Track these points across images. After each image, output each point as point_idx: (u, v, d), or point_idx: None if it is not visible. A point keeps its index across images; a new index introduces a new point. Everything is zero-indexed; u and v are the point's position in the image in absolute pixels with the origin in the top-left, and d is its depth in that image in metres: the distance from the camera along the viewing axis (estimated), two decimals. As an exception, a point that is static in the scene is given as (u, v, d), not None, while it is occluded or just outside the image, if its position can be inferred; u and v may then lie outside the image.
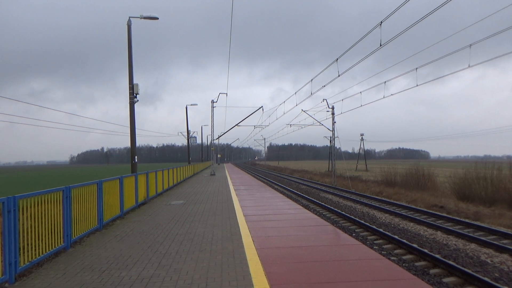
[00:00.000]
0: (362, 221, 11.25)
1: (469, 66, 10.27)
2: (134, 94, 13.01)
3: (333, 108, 25.81)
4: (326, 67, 14.38)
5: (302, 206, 13.77)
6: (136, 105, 17.41)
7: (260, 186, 18.17)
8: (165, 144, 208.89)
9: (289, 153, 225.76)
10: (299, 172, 45.53)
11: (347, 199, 17.92)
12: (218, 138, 45.79)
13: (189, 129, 34.92)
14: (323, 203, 15.65)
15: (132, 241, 6.43)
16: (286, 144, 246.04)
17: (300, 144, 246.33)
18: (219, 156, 79.22)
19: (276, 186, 25.81)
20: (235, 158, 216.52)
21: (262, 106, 28.87)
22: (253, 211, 9.59)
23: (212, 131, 30.91)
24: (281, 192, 20.86)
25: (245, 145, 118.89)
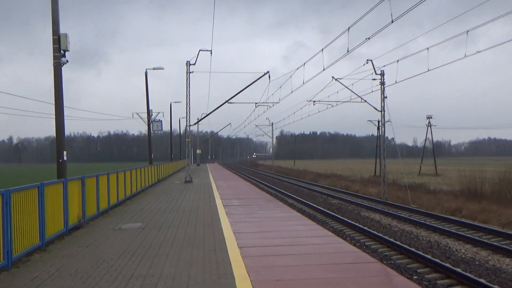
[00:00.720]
0: (429, 256, 11.27)
1: None
2: (62, 51, 12.95)
3: (382, 74, 25.74)
4: (373, 7, 14.26)
5: (332, 232, 13.84)
6: (65, 70, 17.30)
7: (265, 199, 18.24)
8: (112, 133, 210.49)
9: (311, 146, 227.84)
10: (328, 177, 45.77)
11: (405, 220, 18.05)
12: (198, 123, 45.79)
13: (150, 108, 35.01)
14: (365, 228, 15.75)
15: (59, 288, 6.42)
16: (307, 132, 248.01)
17: (329, 133, 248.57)
18: (199, 152, 79.65)
19: (290, 200, 25.99)
20: (225, 155, 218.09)
21: (268, 72, 28.84)
22: (254, 239, 9.62)
23: (188, 112, 30.99)
24: (299, 210, 21.00)
25: (241, 135, 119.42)
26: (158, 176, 30.77)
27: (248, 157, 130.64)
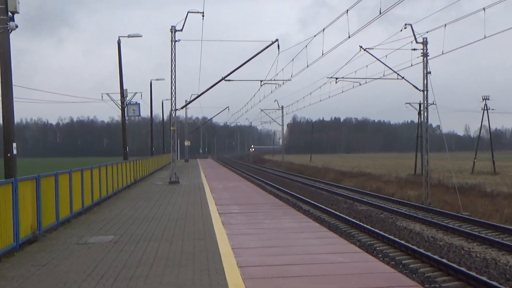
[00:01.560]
0: (484, 278, 11.27)
1: None
2: (9, 14, 12.92)
3: (425, 43, 25.62)
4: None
5: (359, 247, 13.87)
6: (15, 37, 17.32)
7: (272, 205, 18.27)
8: (76, 119, 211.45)
9: (333, 137, 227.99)
10: (355, 177, 45.80)
11: (453, 232, 18.09)
12: (186, 106, 45.67)
13: (125, 88, 35.05)
14: (402, 241, 15.77)
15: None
16: (327, 119, 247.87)
17: (355, 120, 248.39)
18: (187, 144, 79.90)
19: (305, 207, 26.04)
20: (221, 147, 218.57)
21: (277, 41, 28.75)
22: (258, 257, 9.65)
23: (173, 92, 30.97)
24: (316, 219, 21.04)
25: (243, 122, 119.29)
26: (135, 175, 30.88)
27: (251, 149, 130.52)
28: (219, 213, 15.95)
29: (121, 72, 34.71)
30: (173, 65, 30.44)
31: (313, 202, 26.84)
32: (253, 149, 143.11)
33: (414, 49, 25.92)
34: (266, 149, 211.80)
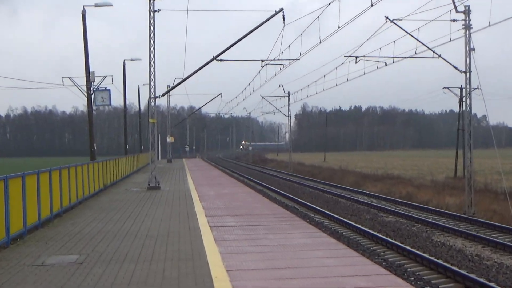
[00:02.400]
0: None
1: None
2: None
3: (467, 12, 25.53)
4: None
5: (386, 268, 13.82)
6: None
7: (277, 217, 18.28)
8: (31, 110, 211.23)
9: (352, 131, 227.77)
10: (380, 180, 45.79)
11: (503, 249, 18.07)
12: (169, 93, 45.42)
13: (92, 70, 34.98)
14: (439, 261, 15.78)
15: None
16: (345, 108, 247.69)
17: (380, 109, 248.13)
18: (170, 140, 79.79)
19: (318, 218, 26.10)
20: (213, 144, 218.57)
21: (282, 10, 28.66)
22: (260, 281, 9.63)
23: (152, 76, 30.86)
24: (332, 233, 21.08)
25: (240, 113, 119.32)
26: (106, 179, 30.85)
27: (250, 148, 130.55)
28: (210, 227, 15.93)
29: (87, 50, 34.63)
30: (152, 41, 30.37)
31: (328, 212, 26.81)
32: (242, 147, 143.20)
33: (454, 20, 25.87)
34: (269, 146, 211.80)
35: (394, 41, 30.66)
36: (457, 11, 25.39)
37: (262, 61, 35.70)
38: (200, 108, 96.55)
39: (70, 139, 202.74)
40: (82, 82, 35.00)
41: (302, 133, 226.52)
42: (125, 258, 11.94)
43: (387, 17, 27.19)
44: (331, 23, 28.96)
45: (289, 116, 74.06)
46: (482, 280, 13.58)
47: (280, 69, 37.46)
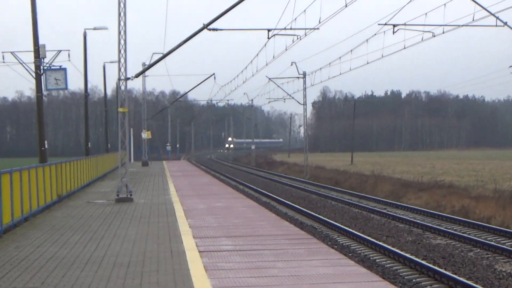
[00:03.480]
0: None
1: None
2: None
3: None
4: None
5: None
6: None
7: (288, 238, 18.29)
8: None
9: (388, 123, 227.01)
10: (424, 190, 45.61)
11: None
12: (144, 72, 45.28)
13: (41, 43, 34.93)
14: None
15: None
16: (378, 94, 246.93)
17: (426, 95, 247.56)
18: (146, 136, 79.88)
19: (344, 240, 26.05)
20: (203, 141, 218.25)
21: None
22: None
23: (122, 50, 30.77)
24: (362, 260, 21.04)
25: (239, 100, 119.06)
26: (60, 188, 30.85)
27: (253, 147, 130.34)
28: (199, 252, 15.90)
29: (35, 13, 34.60)
30: (121, 3, 30.34)
31: (356, 232, 26.73)
32: (229, 145, 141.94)
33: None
34: (275, 145, 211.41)
35: (445, 4, 30.68)
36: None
37: (268, 30, 35.73)
38: (186, 93, 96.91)
39: (13, 135, 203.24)
40: (29, 58, 34.98)
41: (321, 127, 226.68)
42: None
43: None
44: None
45: (305, 104, 74.01)
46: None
47: (293, 42, 37.52)
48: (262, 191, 48.99)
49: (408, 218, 32.07)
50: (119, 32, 30.52)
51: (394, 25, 32.00)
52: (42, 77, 35.12)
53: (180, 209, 26.38)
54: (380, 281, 12.82)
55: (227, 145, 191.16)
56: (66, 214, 25.85)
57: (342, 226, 28.58)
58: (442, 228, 28.51)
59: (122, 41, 30.63)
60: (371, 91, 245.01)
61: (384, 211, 35.60)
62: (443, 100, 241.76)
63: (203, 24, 30.78)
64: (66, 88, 39.57)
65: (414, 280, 18.56)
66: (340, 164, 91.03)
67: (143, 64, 58.60)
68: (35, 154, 36.11)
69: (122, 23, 30.49)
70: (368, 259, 21.61)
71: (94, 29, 55.34)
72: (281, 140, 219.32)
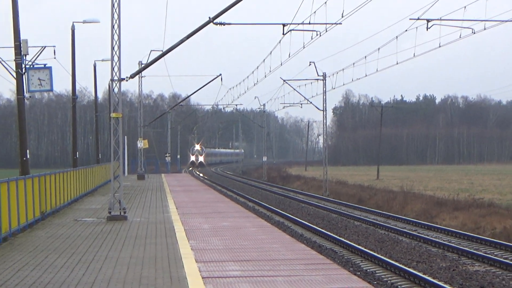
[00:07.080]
0: None
1: None
2: None
3: None
4: None
5: None
6: None
7: (305, 263, 18.31)
8: None
9: (420, 132, 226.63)
10: (460, 208, 45.51)
11: None
12: (141, 73, 45.33)
13: (23, 38, 35.09)
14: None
15: None
16: (409, 99, 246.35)
17: (463, 100, 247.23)
18: (142, 145, 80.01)
19: (367, 266, 26.09)
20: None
21: None
22: None
23: (116, 47, 30.85)
24: (389, 289, 20.87)
25: (249, 105, 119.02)
26: (44, 204, 30.88)
27: (264, 159, 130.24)
28: (203, 278, 15.87)
29: (16, 4, 34.71)
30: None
31: (382, 257, 26.68)
32: (199, 155, 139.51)
33: None
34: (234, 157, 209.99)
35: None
36: None
37: (283, 25, 35.80)
38: (189, 96, 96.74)
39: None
40: (9, 55, 35.09)
41: (343, 136, 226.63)
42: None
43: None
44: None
45: (325, 109, 74.04)
46: None
47: (312, 38, 37.53)
48: (275, 209, 48.98)
49: (442, 242, 32.03)
50: (112, 26, 30.60)
51: (428, 20, 32.01)
52: (23, 77, 35.17)
53: (181, 229, 26.39)
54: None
55: (192, 155, 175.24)
56: (50, 233, 25.87)
57: (366, 250, 28.54)
58: (481, 253, 28.42)
59: (115, 37, 30.69)
60: (401, 95, 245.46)
61: (414, 233, 35.54)
62: (483, 106, 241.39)
63: (209, 17, 30.87)
64: (51, 89, 39.59)
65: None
66: (364, 179, 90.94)
67: (140, 63, 58.71)
68: (15, 165, 36.26)
69: (116, 16, 30.55)
70: (396, 288, 21.61)
71: (84, 22, 55.28)
72: (242, 151, 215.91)
